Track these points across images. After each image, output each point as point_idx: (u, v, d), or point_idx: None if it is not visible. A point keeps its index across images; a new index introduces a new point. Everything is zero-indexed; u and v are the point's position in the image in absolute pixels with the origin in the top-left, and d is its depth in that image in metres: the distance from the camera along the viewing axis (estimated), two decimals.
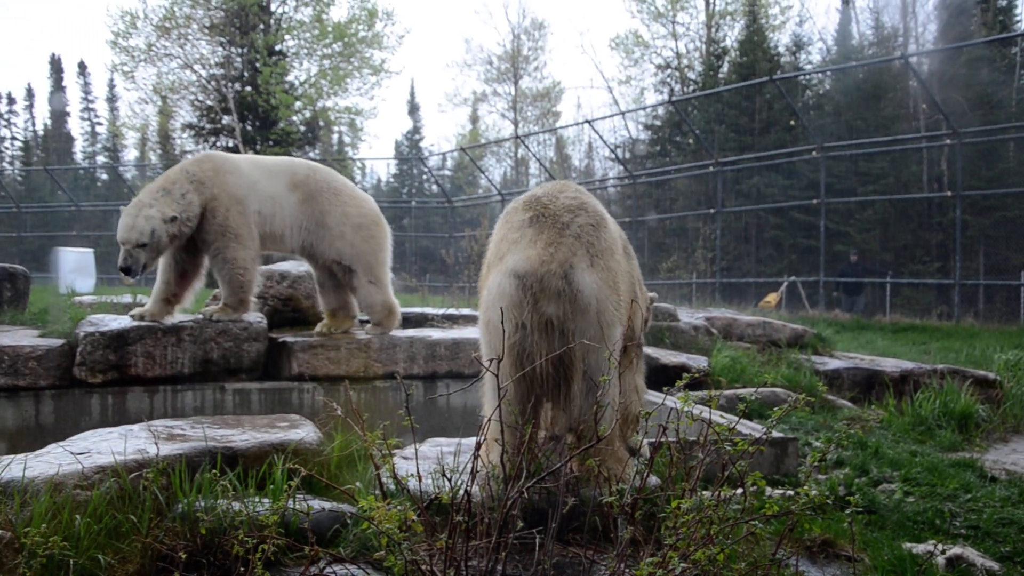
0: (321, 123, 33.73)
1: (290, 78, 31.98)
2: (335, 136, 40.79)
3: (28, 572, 3.17)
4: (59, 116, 65.65)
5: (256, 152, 29.41)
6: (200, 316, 7.94)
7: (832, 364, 9.13)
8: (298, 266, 9.21)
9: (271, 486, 3.99)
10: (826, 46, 41.32)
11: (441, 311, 10.01)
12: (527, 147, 42.65)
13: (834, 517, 4.39)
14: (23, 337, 7.76)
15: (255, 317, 8.12)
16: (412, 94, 64.82)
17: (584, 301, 3.95)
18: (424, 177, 53.09)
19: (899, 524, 4.62)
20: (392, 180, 57.49)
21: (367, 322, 8.57)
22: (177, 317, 7.94)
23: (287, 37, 32.18)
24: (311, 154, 33.95)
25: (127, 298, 9.65)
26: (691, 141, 33.60)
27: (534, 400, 4.05)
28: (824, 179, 22.65)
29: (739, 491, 3.27)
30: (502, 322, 3.72)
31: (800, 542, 3.94)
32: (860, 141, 26.49)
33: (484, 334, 4.25)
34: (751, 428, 5.56)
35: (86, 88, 66.34)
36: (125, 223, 7.40)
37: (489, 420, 3.63)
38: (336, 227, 8.24)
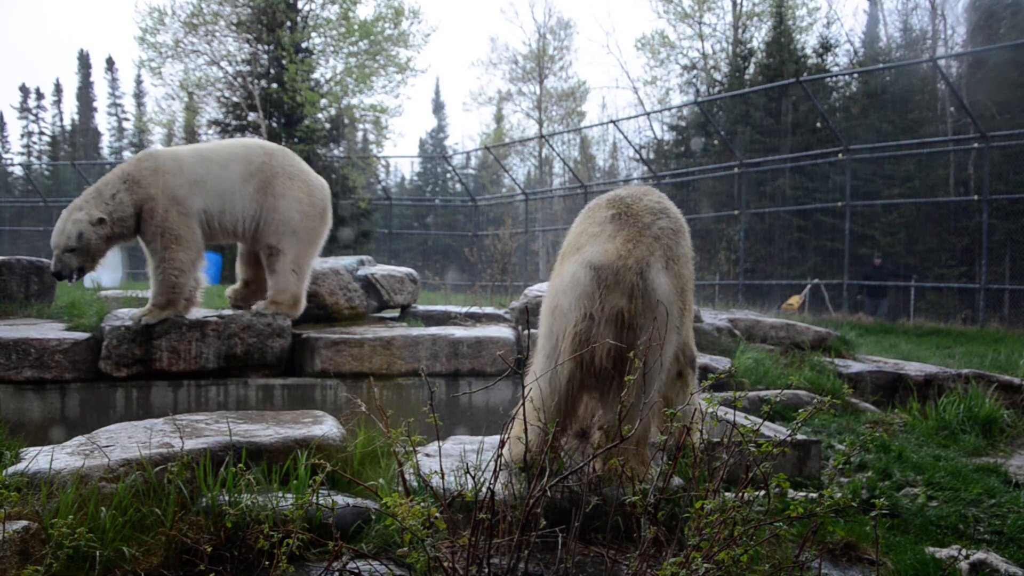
0: (346, 120, 33.81)
1: (316, 75, 32.07)
2: (360, 134, 40.88)
3: (55, 563, 3.20)
4: (87, 111, 66.19)
5: None
6: (220, 314, 7.98)
7: (855, 367, 9.07)
8: (322, 263, 9.23)
9: (295, 481, 4.01)
10: (853, 48, 41.05)
11: (464, 309, 10.02)
12: (551, 147, 42.61)
13: (857, 520, 4.37)
14: (50, 330, 7.84)
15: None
16: (437, 92, 64.92)
17: (655, 299, 4.00)
18: (448, 176, 53.15)
19: (922, 528, 4.59)
20: (416, 178, 57.60)
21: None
22: (196, 312, 7.98)
23: (313, 34, 32.28)
24: (335, 151, 34.05)
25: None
26: (716, 142, 33.43)
27: (575, 393, 4.08)
28: (850, 182, 22.50)
29: (762, 493, 3.26)
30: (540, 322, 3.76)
31: (823, 545, 3.92)
32: (886, 144, 26.30)
33: (546, 319, 4.28)
34: (774, 430, 5.54)
35: (114, 84, 66.97)
36: (56, 228, 7.51)
37: (514, 415, 3.63)
38: (285, 212, 8.23)
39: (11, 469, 3.97)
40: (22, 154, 64.45)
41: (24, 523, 3.39)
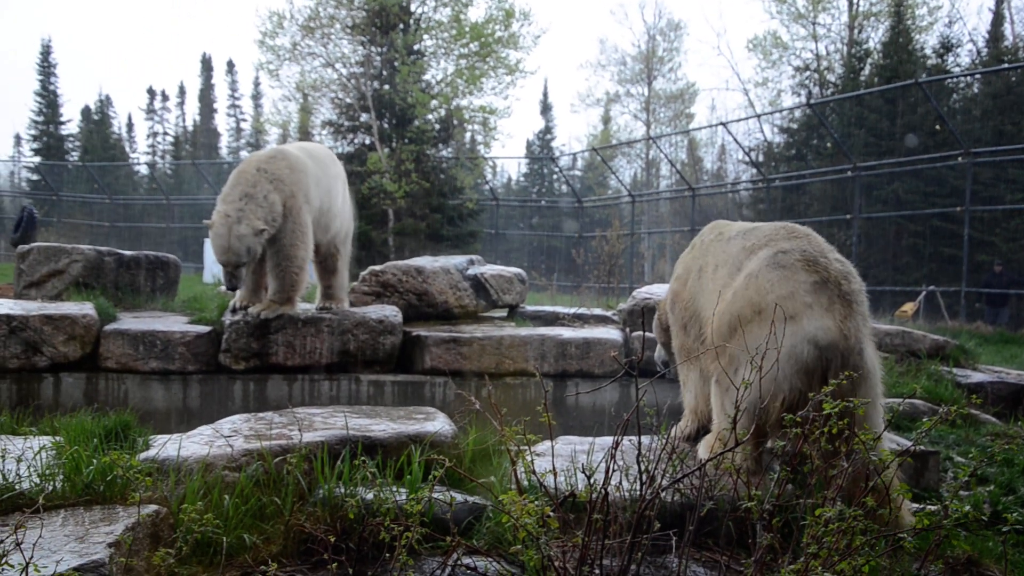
0: (455, 121, 34.07)
1: (427, 77, 32.47)
2: (468, 134, 41.22)
3: (184, 547, 3.33)
4: (207, 112, 68.41)
5: (392, 150, 29.98)
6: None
7: (975, 377, 8.76)
8: (432, 262, 9.35)
9: (408, 476, 4.08)
10: (976, 48, 39.60)
11: (572, 310, 10.03)
12: (659, 148, 42.32)
13: (980, 535, 4.23)
14: (174, 323, 8.13)
15: (391, 311, 8.29)
16: (545, 94, 64.95)
17: (867, 370, 4.13)
18: (554, 177, 53.23)
19: None
20: (523, 179, 57.84)
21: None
22: (301, 306, 8.15)
23: (425, 37, 32.67)
24: (444, 152, 34.40)
25: None
26: (829, 145, 32.69)
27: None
28: (970, 186, 21.75)
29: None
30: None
31: (944, 559, 3.81)
32: (1011, 147, 25.33)
33: (742, 371, 4.13)
34: (890, 439, 5.40)
35: (233, 86, 69.14)
36: (220, 244, 7.28)
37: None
38: (349, 211, 8.44)
39: (142, 455, 4.14)
40: (147, 153, 67.18)
41: (155, 507, 3.53)
